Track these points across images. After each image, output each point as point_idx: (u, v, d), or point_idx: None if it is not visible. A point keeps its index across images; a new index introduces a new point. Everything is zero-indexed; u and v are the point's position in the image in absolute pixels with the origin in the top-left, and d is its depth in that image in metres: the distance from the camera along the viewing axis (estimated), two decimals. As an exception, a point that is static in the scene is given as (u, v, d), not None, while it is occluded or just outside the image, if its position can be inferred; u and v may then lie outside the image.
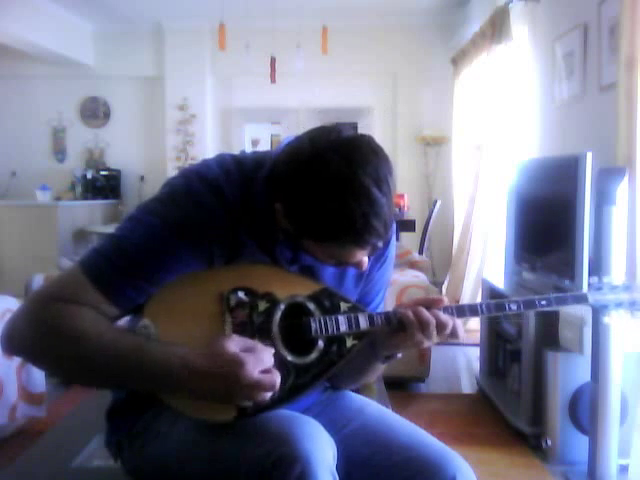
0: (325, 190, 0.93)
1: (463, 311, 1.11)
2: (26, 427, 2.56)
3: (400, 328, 1.07)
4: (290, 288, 1.06)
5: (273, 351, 0.98)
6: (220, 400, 0.95)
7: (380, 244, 1.00)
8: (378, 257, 1.20)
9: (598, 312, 1.22)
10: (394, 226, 1.22)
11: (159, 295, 1.00)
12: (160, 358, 0.93)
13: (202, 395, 0.95)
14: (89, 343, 0.94)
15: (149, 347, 0.95)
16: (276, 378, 0.94)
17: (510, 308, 1.13)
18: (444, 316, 1.06)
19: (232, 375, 0.91)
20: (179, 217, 1.00)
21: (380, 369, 1.21)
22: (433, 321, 1.05)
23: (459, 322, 1.08)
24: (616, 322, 2.05)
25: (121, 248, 0.99)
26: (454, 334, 1.08)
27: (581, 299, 1.19)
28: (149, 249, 0.98)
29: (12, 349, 0.98)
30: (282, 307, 1.04)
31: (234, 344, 0.94)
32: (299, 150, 0.98)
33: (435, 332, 1.05)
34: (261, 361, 0.94)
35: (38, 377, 2.56)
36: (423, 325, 1.05)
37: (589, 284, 1.21)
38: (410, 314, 1.05)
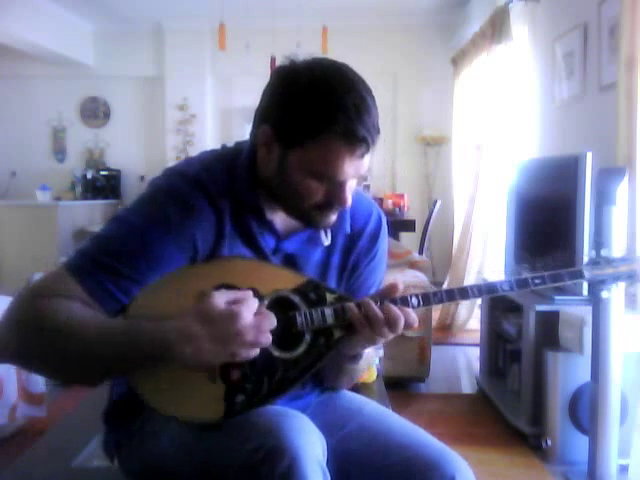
0: (316, 86, 0.99)
1: (453, 295, 1.07)
2: (26, 427, 2.55)
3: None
4: (274, 282, 1.05)
5: (251, 293, 0.96)
6: (224, 358, 0.92)
7: (370, 143, 0.99)
8: (367, 252, 1.19)
9: (595, 288, 1.19)
10: (383, 220, 1.22)
11: (141, 296, 0.99)
12: (153, 334, 0.92)
13: (204, 358, 0.92)
14: (75, 332, 0.92)
15: (140, 326, 0.93)
16: (271, 316, 0.94)
17: (502, 289, 1.09)
18: (395, 311, 1.01)
19: (232, 330, 0.90)
20: (161, 215, 1.00)
21: (359, 369, 1.20)
22: (381, 317, 1.00)
23: (414, 316, 1.03)
24: (617, 324, 2.05)
25: (104, 247, 0.99)
26: (409, 325, 1.03)
27: (577, 275, 1.13)
28: (132, 247, 0.99)
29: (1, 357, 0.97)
30: (266, 302, 1.02)
31: (221, 299, 0.92)
32: (282, 72, 1.05)
33: (385, 328, 1.01)
34: (251, 307, 0.93)
35: (38, 377, 2.56)
36: (370, 320, 1.01)
37: (586, 260, 1.17)
38: (355, 309, 1.02)
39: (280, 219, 1.11)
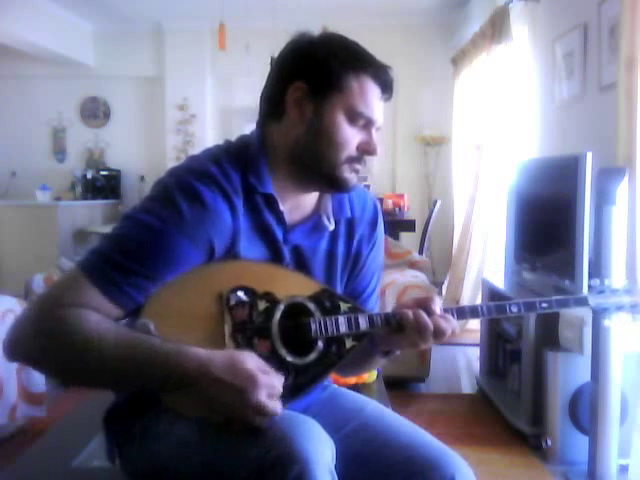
0: (341, 43, 1.10)
1: (464, 313, 1.12)
2: (26, 427, 2.56)
3: (399, 328, 1.08)
4: (290, 287, 1.06)
5: (283, 379, 0.98)
6: (222, 409, 0.95)
7: (391, 93, 1.15)
8: (368, 240, 1.22)
9: (599, 315, 1.22)
10: (378, 206, 1.26)
11: (158, 295, 0.99)
12: (173, 360, 0.93)
13: (208, 399, 0.95)
14: (95, 347, 0.94)
15: (161, 348, 0.94)
16: (278, 407, 0.95)
17: (511, 310, 1.14)
18: (443, 324, 1.06)
19: (243, 391, 0.92)
20: (174, 212, 1.00)
21: (381, 362, 1.22)
22: (431, 327, 1.05)
23: (456, 325, 1.08)
24: (616, 324, 2.05)
25: (119, 247, 0.99)
26: (452, 336, 1.09)
27: (582, 302, 1.19)
28: (147, 246, 0.98)
29: (16, 356, 0.98)
30: (282, 307, 1.04)
31: (253, 362, 0.95)
32: (301, 40, 1.11)
33: (431, 337, 1.06)
34: (272, 387, 0.94)
35: (38, 377, 2.56)
36: (421, 329, 1.06)
37: (590, 286, 1.21)
38: (410, 316, 1.06)
39: (287, 210, 1.12)
